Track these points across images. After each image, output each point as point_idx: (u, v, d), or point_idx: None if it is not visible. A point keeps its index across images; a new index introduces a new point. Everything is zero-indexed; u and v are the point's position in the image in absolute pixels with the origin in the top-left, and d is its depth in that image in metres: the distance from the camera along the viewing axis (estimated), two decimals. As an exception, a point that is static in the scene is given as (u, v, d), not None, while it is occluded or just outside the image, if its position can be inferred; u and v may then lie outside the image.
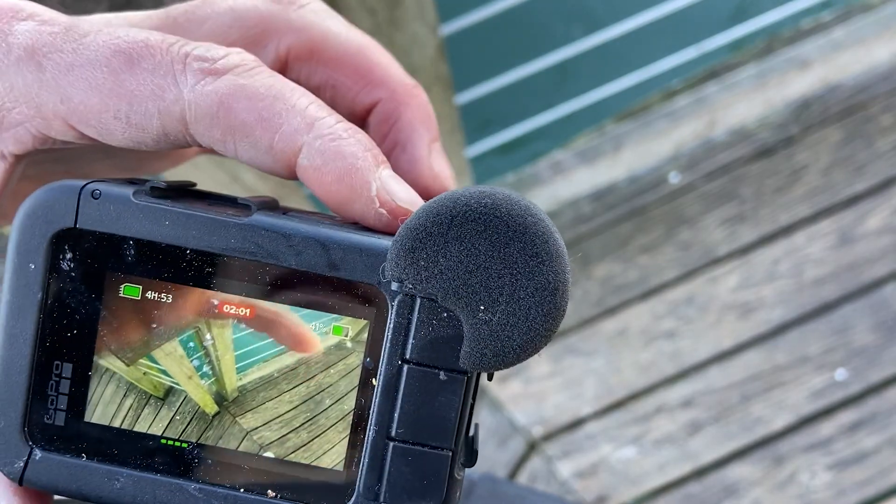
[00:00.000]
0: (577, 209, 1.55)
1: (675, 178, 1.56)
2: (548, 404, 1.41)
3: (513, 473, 1.37)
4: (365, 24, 0.96)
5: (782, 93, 1.59)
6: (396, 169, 0.28)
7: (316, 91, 0.30)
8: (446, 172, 0.30)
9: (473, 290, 0.24)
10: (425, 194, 0.28)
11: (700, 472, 1.35)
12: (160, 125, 0.25)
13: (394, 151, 0.29)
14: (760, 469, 1.34)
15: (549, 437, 1.38)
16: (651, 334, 1.45)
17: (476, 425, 0.27)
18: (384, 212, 0.25)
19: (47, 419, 0.25)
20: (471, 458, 0.26)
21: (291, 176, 0.26)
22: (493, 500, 0.52)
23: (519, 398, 1.42)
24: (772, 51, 1.62)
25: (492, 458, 1.37)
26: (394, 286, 0.24)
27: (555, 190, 1.56)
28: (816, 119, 1.57)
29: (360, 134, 0.25)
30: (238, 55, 0.25)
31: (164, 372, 0.26)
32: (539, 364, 1.43)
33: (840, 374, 1.39)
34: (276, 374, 0.25)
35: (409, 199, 0.26)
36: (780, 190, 1.53)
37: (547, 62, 1.31)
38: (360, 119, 0.30)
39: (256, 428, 0.26)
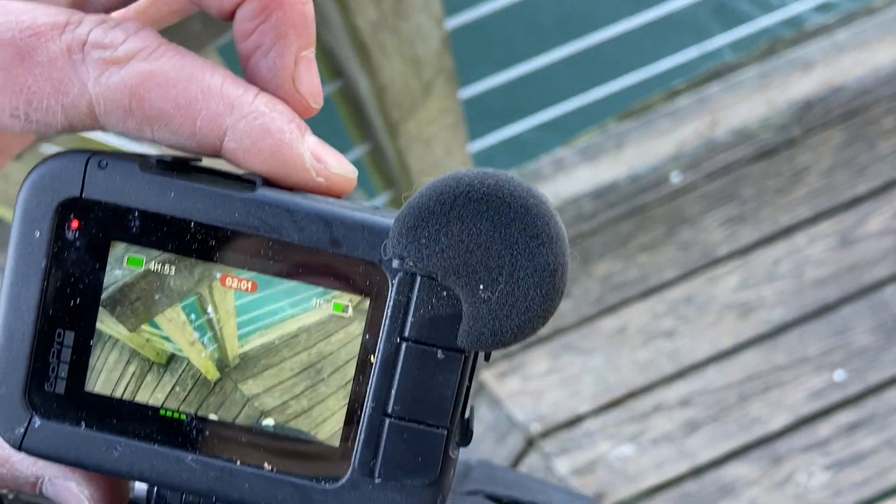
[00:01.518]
0: (579, 207, 1.55)
1: (676, 178, 1.56)
2: (546, 401, 1.41)
3: (510, 469, 1.37)
4: (370, 14, 0.96)
5: (785, 94, 1.59)
6: (254, 76, 0.26)
7: None
8: (310, 89, 0.26)
9: (473, 269, 0.24)
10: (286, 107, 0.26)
11: (697, 471, 1.35)
12: (65, 119, 0.24)
13: (254, 55, 0.26)
14: (758, 469, 1.34)
15: (547, 433, 1.38)
16: (650, 333, 1.45)
17: (472, 407, 0.27)
18: (322, 180, 0.25)
19: (48, 387, 0.25)
20: (465, 437, 0.26)
21: (215, 156, 0.25)
22: (492, 484, 0.52)
23: (517, 395, 1.41)
24: (774, 52, 1.63)
25: (490, 453, 1.36)
26: (395, 263, 0.24)
27: (556, 187, 1.56)
28: (818, 121, 1.57)
29: (280, 104, 0.25)
30: (138, 37, 0.24)
31: (166, 338, 0.26)
32: (538, 361, 1.43)
33: (839, 374, 1.39)
34: (277, 342, 0.26)
35: (340, 166, 0.26)
36: (781, 191, 1.53)
37: (551, 58, 1.31)
38: (229, 17, 0.27)
39: (257, 394, 0.26)
